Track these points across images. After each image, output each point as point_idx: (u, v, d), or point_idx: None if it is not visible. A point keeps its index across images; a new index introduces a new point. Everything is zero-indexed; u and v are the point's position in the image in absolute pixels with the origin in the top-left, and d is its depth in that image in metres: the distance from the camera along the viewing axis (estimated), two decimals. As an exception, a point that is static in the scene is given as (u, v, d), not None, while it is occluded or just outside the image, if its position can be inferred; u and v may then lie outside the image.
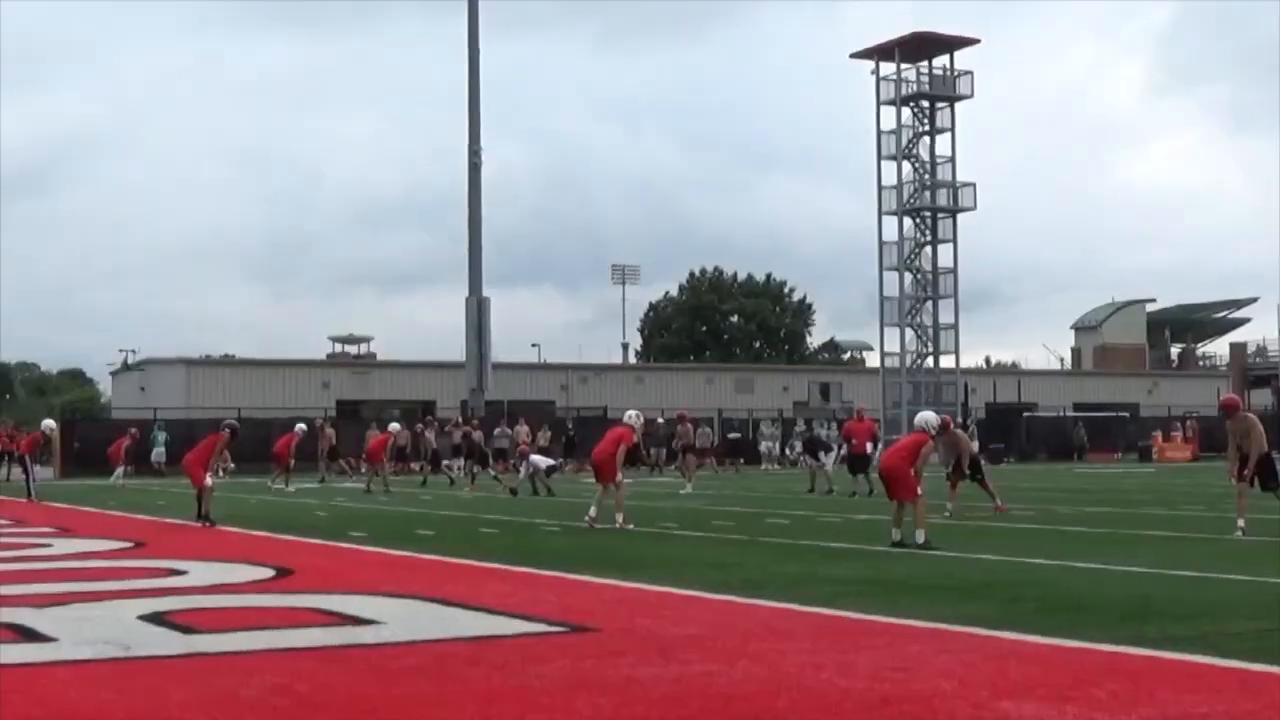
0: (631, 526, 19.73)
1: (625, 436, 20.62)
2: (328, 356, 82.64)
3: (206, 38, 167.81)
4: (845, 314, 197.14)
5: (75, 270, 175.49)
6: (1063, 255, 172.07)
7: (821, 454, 33.47)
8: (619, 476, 20.28)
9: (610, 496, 20.29)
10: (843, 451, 34.98)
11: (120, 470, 43.21)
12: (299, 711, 6.86)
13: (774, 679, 7.58)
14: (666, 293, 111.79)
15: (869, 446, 30.88)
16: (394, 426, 19.71)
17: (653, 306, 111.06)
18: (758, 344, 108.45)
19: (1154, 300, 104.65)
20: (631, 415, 21.34)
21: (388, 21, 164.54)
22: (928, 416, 17.18)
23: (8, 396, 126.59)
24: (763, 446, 59.81)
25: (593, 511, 20.25)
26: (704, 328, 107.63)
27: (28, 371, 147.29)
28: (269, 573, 13.78)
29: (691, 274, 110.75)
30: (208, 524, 20.93)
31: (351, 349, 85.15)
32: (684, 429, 38.80)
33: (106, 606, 11.02)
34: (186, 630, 9.62)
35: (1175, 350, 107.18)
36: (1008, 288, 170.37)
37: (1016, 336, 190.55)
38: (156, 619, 10.16)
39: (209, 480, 21.84)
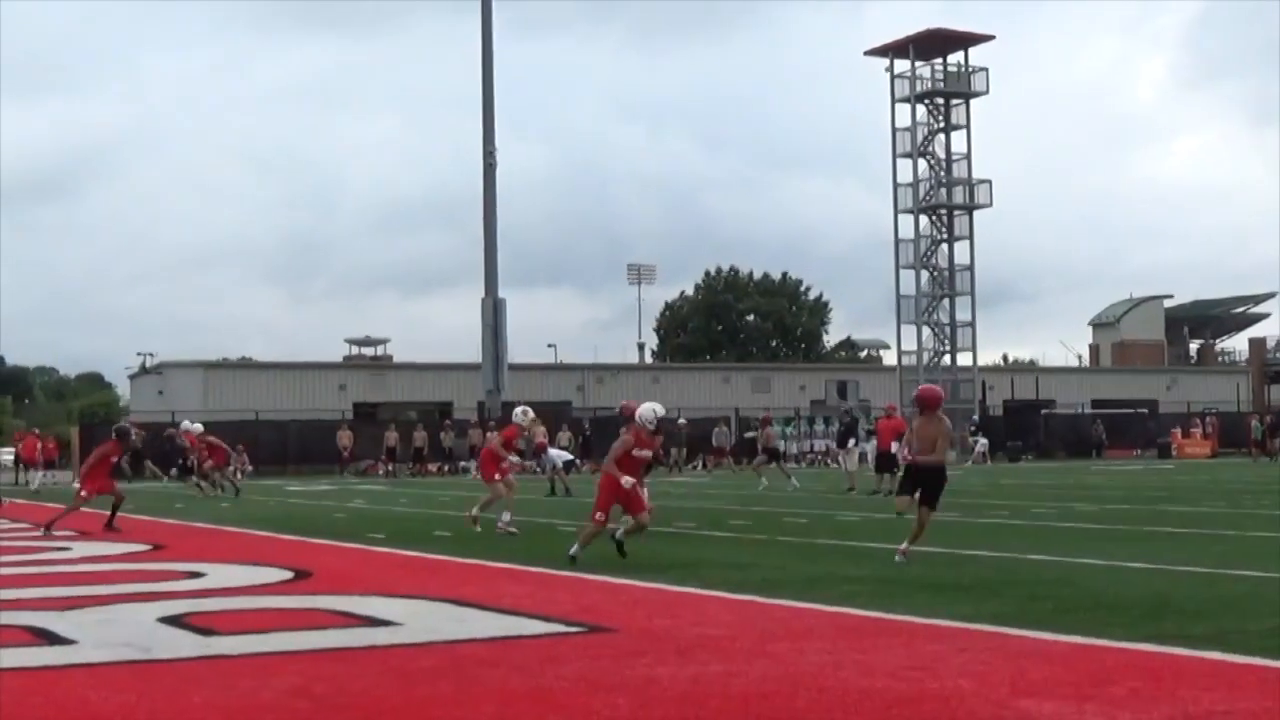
0: (514, 531, 19.19)
1: (512, 435, 20.76)
2: (345, 359, 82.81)
3: (229, 43, 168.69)
4: (863, 312, 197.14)
5: (95, 274, 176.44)
6: (1080, 252, 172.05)
7: (851, 442, 33.47)
8: (505, 476, 20.27)
9: (500, 495, 20.07)
10: (867, 448, 35.03)
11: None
12: (318, 713, 6.87)
13: (792, 679, 7.57)
14: (683, 292, 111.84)
15: (894, 446, 30.79)
16: (519, 413, 19.16)
17: (669, 306, 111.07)
18: (774, 343, 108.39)
19: (1172, 296, 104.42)
20: (518, 413, 21.21)
21: (409, 24, 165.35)
22: (647, 410, 15.76)
23: (27, 401, 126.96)
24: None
25: (474, 511, 20.17)
26: (720, 327, 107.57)
27: (47, 376, 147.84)
28: (287, 575, 13.80)
29: (707, 273, 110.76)
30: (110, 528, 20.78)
31: (368, 351, 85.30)
32: (768, 431, 37.79)
33: (126, 609, 11.04)
34: (206, 632, 9.64)
35: (1194, 346, 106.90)
36: (1025, 285, 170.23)
37: (1034, 334, 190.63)
38: (176, 621, 10.18)
39: (85, 493, 21.37)
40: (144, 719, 6.79)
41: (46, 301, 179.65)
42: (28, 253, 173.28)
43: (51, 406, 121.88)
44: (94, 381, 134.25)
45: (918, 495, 14.70)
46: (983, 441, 58.10)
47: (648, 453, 15.30)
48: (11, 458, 50.96)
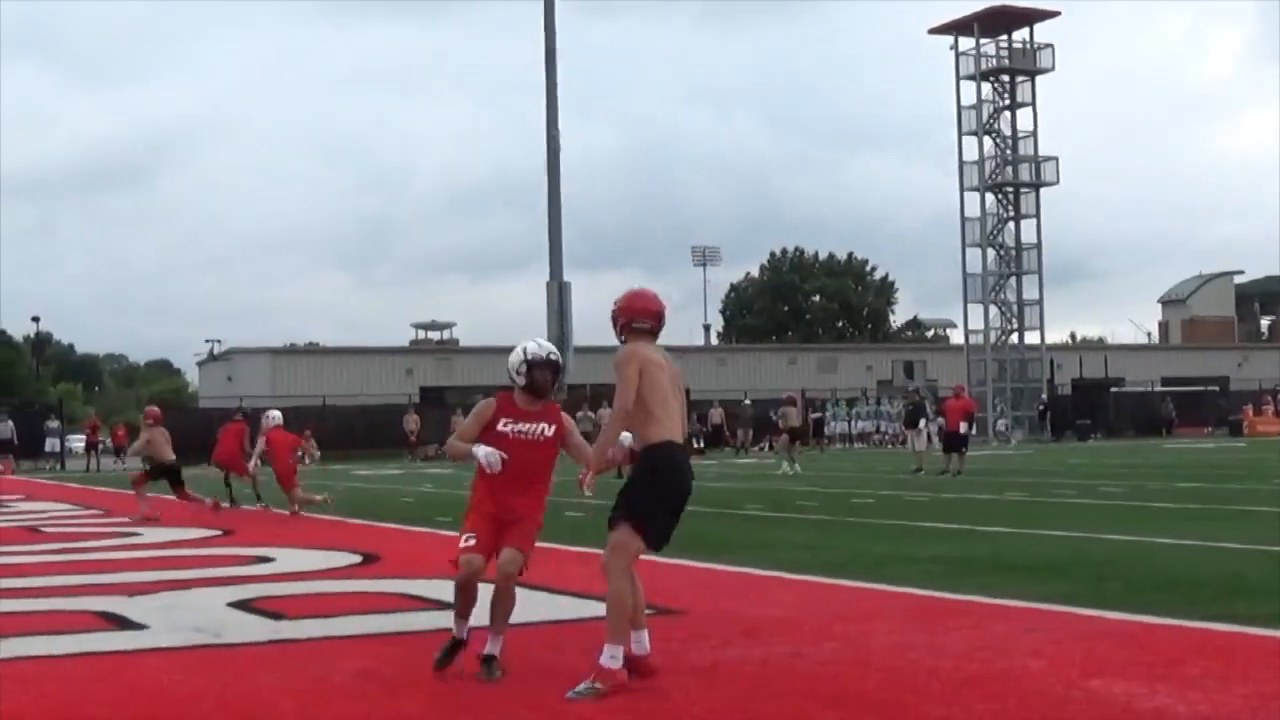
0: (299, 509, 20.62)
1: (239, 433, 22.88)
2: (411, 343, 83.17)
3: (296, 30, 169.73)
4: (930, 292, 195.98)
5: (165, 262, 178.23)
6: (1150, 229, 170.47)
7: (921, 422, 33.33)
8: (250, 466, 21.82)
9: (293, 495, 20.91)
10: (936, 428, 34.83)
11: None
12: (386, 696, 6.90)
13: (861, 660, 7.54)
14: (748, 274, 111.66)
15: (963, 426, 30.62)
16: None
17: (734, 288, 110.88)
18: (840, 323, 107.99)
19: (1242, 272, 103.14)
20: (271, 416, 22.03)
21: (476, 7, 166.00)
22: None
23: (97, 388, 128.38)
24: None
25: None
26: (786, 308, 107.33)
27: (117, 363, 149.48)
28: (355, 559, 13.87)
29: (772, 254, 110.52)
30: None
31: (435, 335, 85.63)
32: (788, 411, 37.16)
33: (196, 594, 11.14)
34: (275, 616, 9.71)
35: (1265, 322, 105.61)
36: (1093, 262, 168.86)
37: (1103, 311, 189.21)
38: (245, 606, 10.26)
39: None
40: (214, 703, 6.85)
41: (117, 289, 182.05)
42: (98, 241, 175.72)
43: (121, 393, 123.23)
44: (163, 368, 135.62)
45: None
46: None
47: (539, 429, 7.66)
48: (83, 444, 51.58)
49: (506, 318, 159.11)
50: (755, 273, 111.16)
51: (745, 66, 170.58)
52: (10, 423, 47.77)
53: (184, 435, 54.97)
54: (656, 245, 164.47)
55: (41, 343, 74.77)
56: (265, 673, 7.55)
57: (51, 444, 53.65)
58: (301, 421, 53.88)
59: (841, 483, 28.23)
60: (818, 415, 59.57)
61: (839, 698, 6.58)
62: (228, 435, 24.09)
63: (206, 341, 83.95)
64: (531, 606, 8.85)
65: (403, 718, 6.49)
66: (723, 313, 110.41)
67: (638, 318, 7.44)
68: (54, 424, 54.75)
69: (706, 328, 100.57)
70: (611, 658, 6.76)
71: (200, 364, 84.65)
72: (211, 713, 6.64)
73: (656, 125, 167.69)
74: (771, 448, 56.85)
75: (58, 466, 51.18)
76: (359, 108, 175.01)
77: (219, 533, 17.97)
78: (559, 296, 57.75)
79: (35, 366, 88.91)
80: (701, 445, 54.03)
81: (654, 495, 7.05)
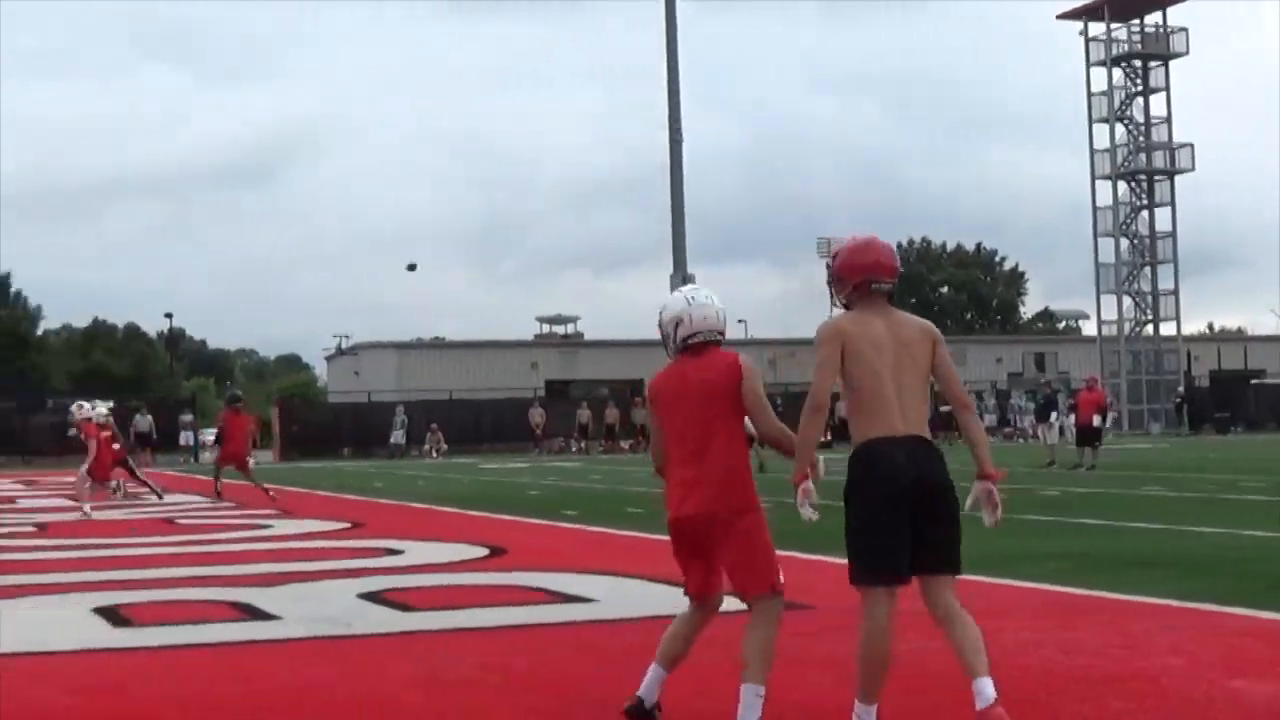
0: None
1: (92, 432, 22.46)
2: (536, 337, 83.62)
3: (421, 27, 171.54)
4: (1062, 282, 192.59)
5: (293, 258, 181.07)
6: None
7: (1053, 415, 32.92)
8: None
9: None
10: (1069, 421, 34.35)
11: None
12: (513, 689, 6.90)
13: (993, 656, 7.37)
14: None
15: (1096, 419, 30.12)
16: None
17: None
18: (969, 315, 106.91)
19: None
20: (99, 410, 22.51)
21: (600, 3, 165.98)
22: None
23: (228, 383, 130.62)
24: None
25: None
26: (913, 299, 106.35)
27: (247, 358, 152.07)
28: (483, 551, 13.92)
29: (899, 245, 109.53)
30: None
31: (559, 329, 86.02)
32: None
33: (327, 585, 11.24)
34: (404, 608, 9.77)
35: None
36: (1233, 252, 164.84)
37: (1243, 301, 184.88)
38: (375, 597, 10.33)
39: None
40: (344, 693, 6.89)
41: (248, 285, 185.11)
42: (229, 238, 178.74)
43: (252, 388, 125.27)
44: (292, 363, 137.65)
45: None
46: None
47: None
48: (214, 437, 52.52)
49: (630, 311, 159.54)
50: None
51: (871, 55, 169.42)
52: (149, 417, 48.79)
53: (313, 429, 56.23)
54: (782, 238, 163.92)
55: (175, 339, 76.30)
56: (393, 664, 7.58)
57: (185, 437, 54.79)
58: (428, 416, 54.77)
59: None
60: (946, 408, 58.76)
61: (969, 694, 6.45)
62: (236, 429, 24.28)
63: (334, 336, 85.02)
64: (665, 600, 8.80)
65: (531, 711, 6.47)
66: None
67: (873, 275, 5.74)
68: (188, 418, 55.91)
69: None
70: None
71: (328, 359, 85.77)
72: (340, 703, 6.68)
73: (781, 116, 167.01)
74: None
75: (191, 459, 52.21)
76: (484, 104, 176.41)
77: (349, 525, 18.16)
78: (683, 290, 57.65)
79: (170, 362, 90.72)
80: (830, 438, 53.70)
81: (852, 512, 5.53)
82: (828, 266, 5.94)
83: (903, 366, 5.59)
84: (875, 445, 5.47)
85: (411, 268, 52.30)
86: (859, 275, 5.68)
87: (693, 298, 6.00)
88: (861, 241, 5.78)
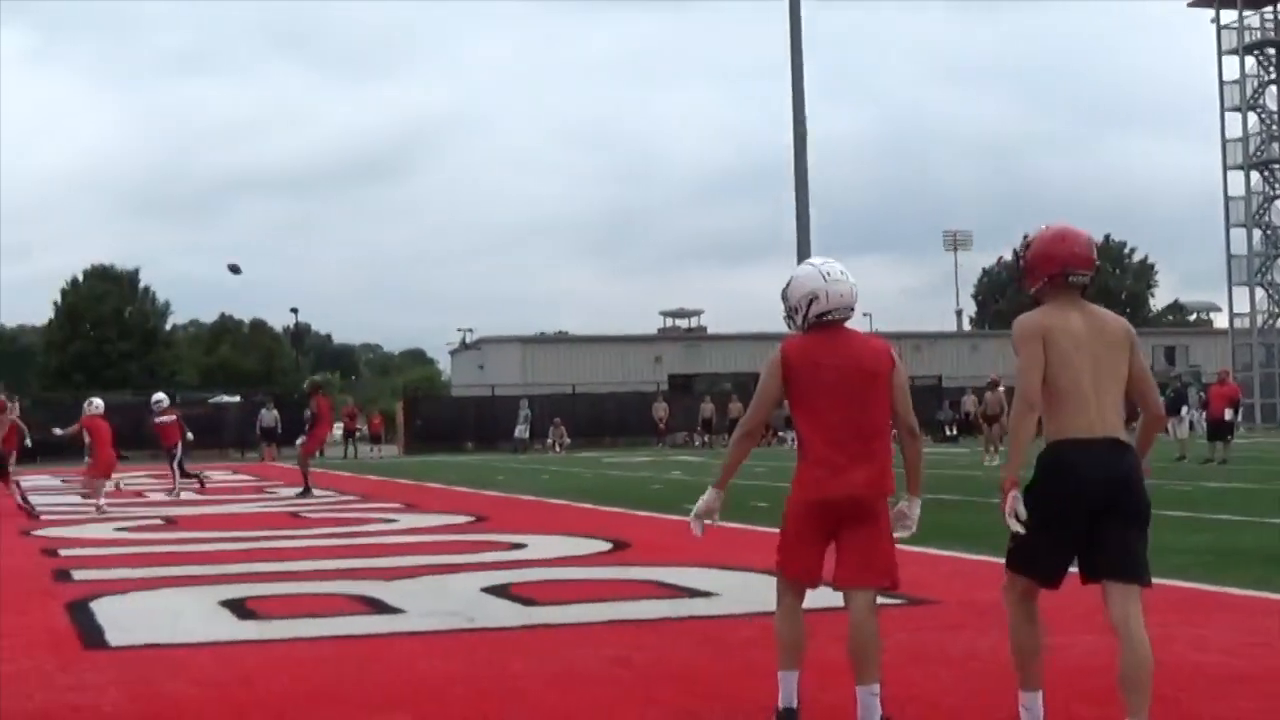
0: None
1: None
2: (659, 331, 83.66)
3: (545, 21, 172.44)
4: (1192, 274, 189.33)
5: (419, 253, 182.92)
6: None
7: (1184, 409, 32.41)
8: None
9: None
10: (1199, 415, 33.81)
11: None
12: (637, 683, 6.92)
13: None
14: (1001, 258, 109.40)
15: (1228, 413, 29.58)
16: None
17: (986, 272, 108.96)
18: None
19: None
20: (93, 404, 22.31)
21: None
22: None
23: (353, 377, 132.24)
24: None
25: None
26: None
27: (372, 352, 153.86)
28: (606, 546, 13.98)
29: (1026, 237, 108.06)
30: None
31: (683, 323, 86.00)
32: (990, 396, 36.64)
33: (451, 579, 11.34)
34: (527, 602, 9.83)
35: None
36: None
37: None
38: (499, 591, 10.41)
39: None
40: (469, 687, 6.95)
41: (372, 280, 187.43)
42: (355, 233, 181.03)
43: (377, 382, 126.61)
44: (416, 357, 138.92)
45: None
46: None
47: None
48: (340, 432, 53.06)
49: (754, 304, 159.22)
50: (1009, 256, 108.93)
51: (997, 45, 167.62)
52: (275, 411, 49.44)
53: (437, 424, 56.65)
54: (907, 229, 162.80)
55: (300, 333, 77.23)
56: (517, 658, 7.63)
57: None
58: (552, 410, 55.01)
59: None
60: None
61: (1097, 691, 6.37)
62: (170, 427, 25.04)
63: (458, 331, 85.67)
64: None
65: (654, 704, 6.48)
66: (975, 298, 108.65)
67: (1070, 266, 5.43)
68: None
69: (959, 313, 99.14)
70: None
71: (453, 353, 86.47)
72: (464, 696, 6.74)
73: (906, 107, 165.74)
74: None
75: (317, 453, 52.74)
76: (608, 97, 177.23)
77: (473, 519, 18.30)
78: (807, 283, 57.37)
79: (295, 357, 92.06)
80: (955, 432, 53.23)
81: (1031, 510, 5.27)
82: (1017, 255, 5.64)
83: (1101, 365, 5.29)
84: (1065, 453, 5.22)
85: (234, 270, 52.23)
86: (1055, 267, 5.38)
87: (828, 273, 5.80)
88: (1057, 230, 5.50)
